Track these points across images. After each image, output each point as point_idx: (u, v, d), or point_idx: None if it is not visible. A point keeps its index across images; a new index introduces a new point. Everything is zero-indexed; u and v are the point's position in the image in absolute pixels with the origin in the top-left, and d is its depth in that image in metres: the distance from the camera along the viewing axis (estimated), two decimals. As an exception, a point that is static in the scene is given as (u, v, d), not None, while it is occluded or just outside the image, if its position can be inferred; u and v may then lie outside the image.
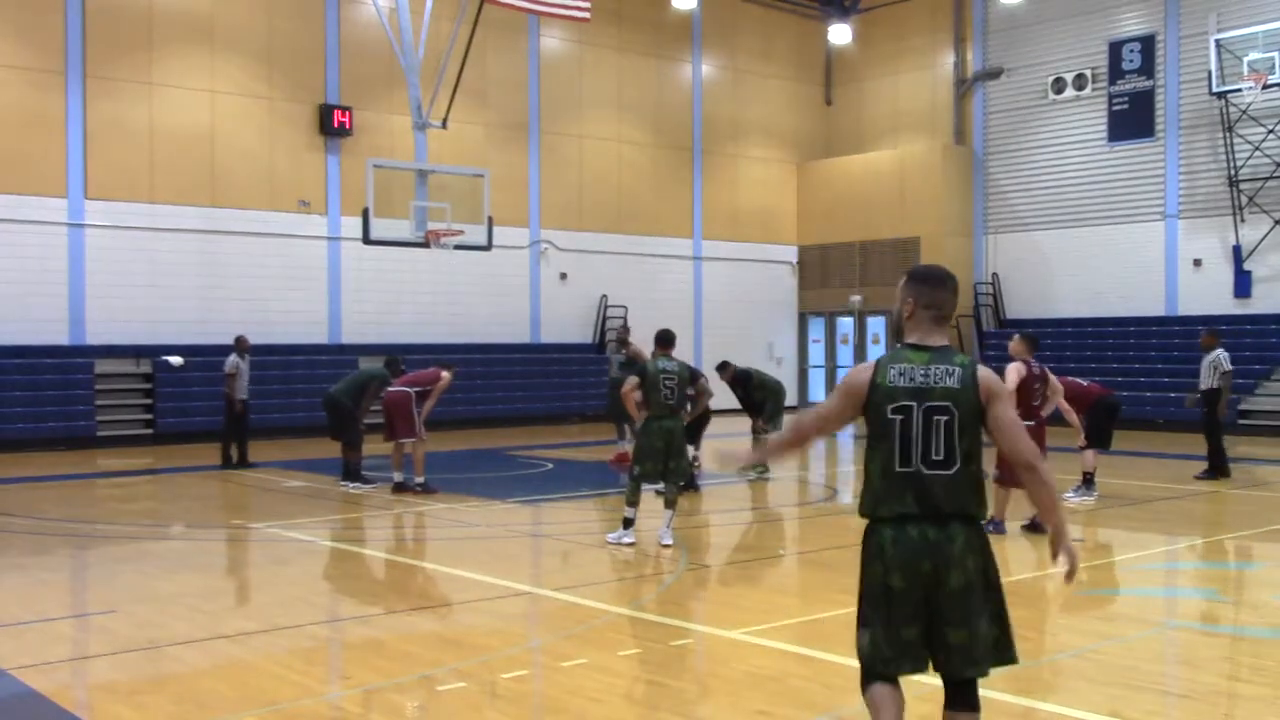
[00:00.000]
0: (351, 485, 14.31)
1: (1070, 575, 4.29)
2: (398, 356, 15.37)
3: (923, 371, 4.22)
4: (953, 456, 4.20)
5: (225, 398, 16.96)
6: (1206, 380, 15.07)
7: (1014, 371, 10.76)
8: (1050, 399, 11.26)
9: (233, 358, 16.85)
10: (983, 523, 4.35)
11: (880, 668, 4.19)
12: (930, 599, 4.13)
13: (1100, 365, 23.75)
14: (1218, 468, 14.84)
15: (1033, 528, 10.61)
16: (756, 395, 15.58)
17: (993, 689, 6.05)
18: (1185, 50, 24.83)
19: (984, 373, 4.27)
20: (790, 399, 28.96)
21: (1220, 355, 15.03)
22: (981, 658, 4.14)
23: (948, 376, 4.21)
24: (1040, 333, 26.80)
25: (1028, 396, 10.78)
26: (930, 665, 4.20)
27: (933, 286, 4.33)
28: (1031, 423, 10.63)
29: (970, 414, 4.21)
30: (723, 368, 15.84)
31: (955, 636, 4.11)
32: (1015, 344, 11.27)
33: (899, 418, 4.23)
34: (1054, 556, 4.26)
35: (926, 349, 4.27)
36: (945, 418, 4.19)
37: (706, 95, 28.89)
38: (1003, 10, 27.82)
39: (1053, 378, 11.40)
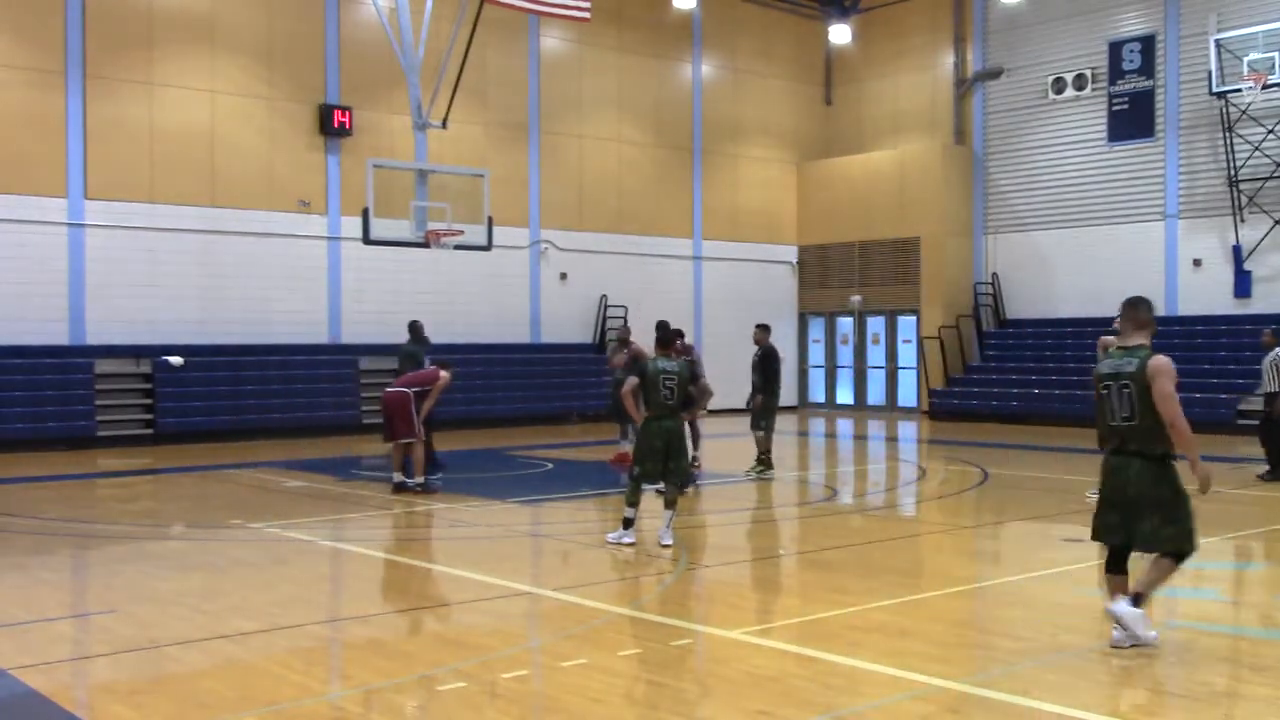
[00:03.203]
0: (429, 479, 14.20)
1: (1202, 490, 6.67)
2: (418, 321, 15.99)
3: (1119, 361, 6.76)
4: (1133, 414, 6.67)
5: None
6: (1269, 383, 14.88)
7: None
8: None
9: None
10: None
11: (1098, 536, 6.95)
12: (1120, 501, 6.75)
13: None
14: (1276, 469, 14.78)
15: None
16: (772, 384, 15.61)
17: (993, 689, 6.06)
18: (1185, 50, 24.83)
19: (1152, 361, 6.62)
20: (791, 399, 29.08)
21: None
22: (1147, 539, 6.69)
23: (1129, 365, 6.69)
24: (1040, 333, 27.02)
25: None
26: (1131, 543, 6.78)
27: (1129, 307, 6.94)
28: None
29: (1141, 388, 6.61)
30: (764, 329, 15.94)
31: (1136, 526, 6.69)
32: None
33: (1106, 391, 6.80)
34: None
35: (1124, 348, 6.81)
36: (1128, 390, 6.68)
37: (706, 95, 28.89)
38: (1003, 10, 27.82)
39: None
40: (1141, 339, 6.80)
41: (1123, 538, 6.81)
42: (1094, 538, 7.02)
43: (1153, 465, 6.65)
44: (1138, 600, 6.70)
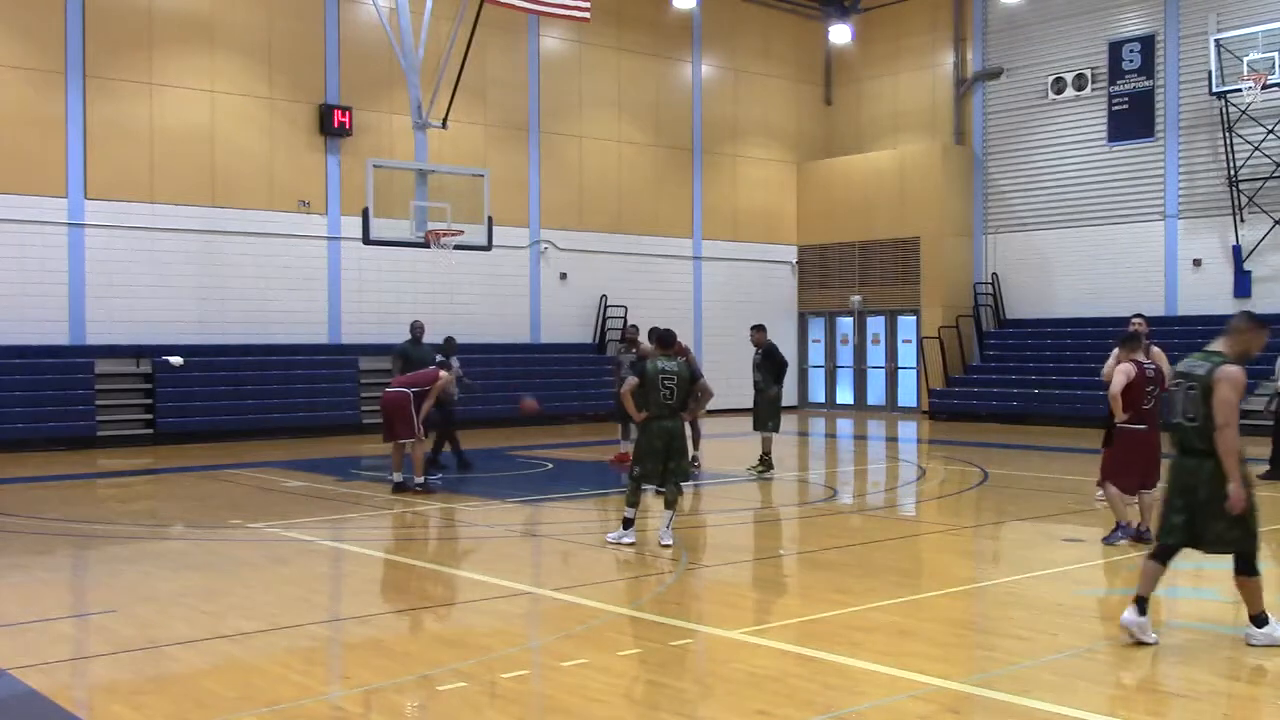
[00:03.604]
0: (429, 479, 14.19)
1: (1232, 509, 6.70)
2: (418, 322, 16.12)
3: (1194, 363, 6.92)
4: (1198, 416, 6.79)
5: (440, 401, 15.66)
6: None
7: (1121, 374, 10.20)
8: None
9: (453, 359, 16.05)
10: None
11: (1160, 537, 7.07)
12: (1190, 503, 6.84)
13: (1100, 366, 23.70)
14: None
15: (1137, 538, 10.18)
16: (779, 382, 15.69)
17: (993, 689, 6.06)
18: (1185, 50, 24.83)
19: (1221, 368, 6.77)
20: (791, 399, 29.14)
21: None
22: (1215, 542, 6.85)
23: (1200, 368, 6.84)
24: (1040, 333, 27.02)
25: (1138, 399, 10.17)
26: (1193, 546, 6.97)
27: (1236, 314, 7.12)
28: (1143, 426, 10.26)
29: (1204, 391, 6.76)
30: (761, 329, 16.02)
31: (1204, 530, 6.83)
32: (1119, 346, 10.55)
33: (1177, 391, 6.97)
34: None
35: (1205, 352, 6.94)
36: (1194, 391, 6.82)
37: (706, 95, 28.89)
38: (1003, 10, 27.82)
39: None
40: (1221, 346, 6.94)
41: (1186, 539, 6.95)
42: (1158, 538, 7.16)
43: (1219, 466, 6.76)
44: (1264, 620, 6.88)
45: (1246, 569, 6.85)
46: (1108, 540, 10.40)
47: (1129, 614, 6.87)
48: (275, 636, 7.32)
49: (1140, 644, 6.81)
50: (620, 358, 17.38)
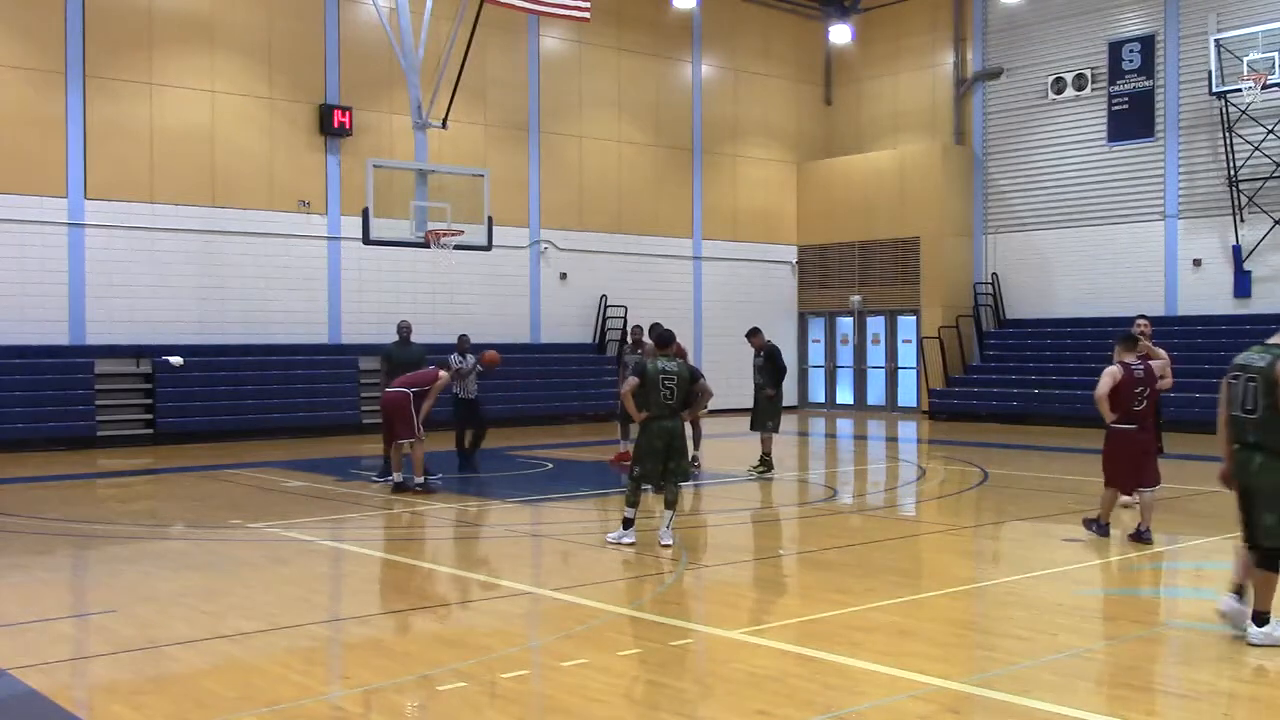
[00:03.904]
0: (429, 479, 14.11)
1: None
2: (404, 322, 16.07)
3: (1253, 355, 6.95)
4: (1256, 408, 6.84)
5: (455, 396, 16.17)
6: None
7: (1107, 376, 10.26)
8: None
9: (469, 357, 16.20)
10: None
11: (1247, 539, 7.02)
12: (1244, 496, 6.94)
13: (1100, 365, 23.64)
14: None
15: (1137, 537, 10.32)
16: (780, 383, 15.77)
17: (993, 689, 6.06)
18: (1185, 50, 24.82)
19: None
20: (791, 399, 29.14)
21: None
22: (1262, 538, 6.85)
23: (1260, 360, 6.87)
24: (1040, 333, 27.02)
25: (1126, 400, 10.22)
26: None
27: None
28: (1133, 426, 10.30)
29: (1266, 383, 6.78)
30: (759, 332, 16.11)
31: (1257, 520, 6.84)
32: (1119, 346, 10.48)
33: (1234, 382, 7.00)
34: None
35: (1265, 345, 6.98)
36: (1253, 384, 6.86)
37: (706, 95, 28.89)
38: (1003, 10, 27.82)
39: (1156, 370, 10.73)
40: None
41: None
42: (1245, 538, 7.16)
43: (1274, 460, 6.79)
44: (1265, 619, 6.86)
45: (1270, 564, 6.85)
46: (1084, 520, 10.71)
47: (1227, 601, 7.04)
48: (275, 636, 7.32)
49: (1234, 631, 7.00)
50: (625, 358, 17.38)
